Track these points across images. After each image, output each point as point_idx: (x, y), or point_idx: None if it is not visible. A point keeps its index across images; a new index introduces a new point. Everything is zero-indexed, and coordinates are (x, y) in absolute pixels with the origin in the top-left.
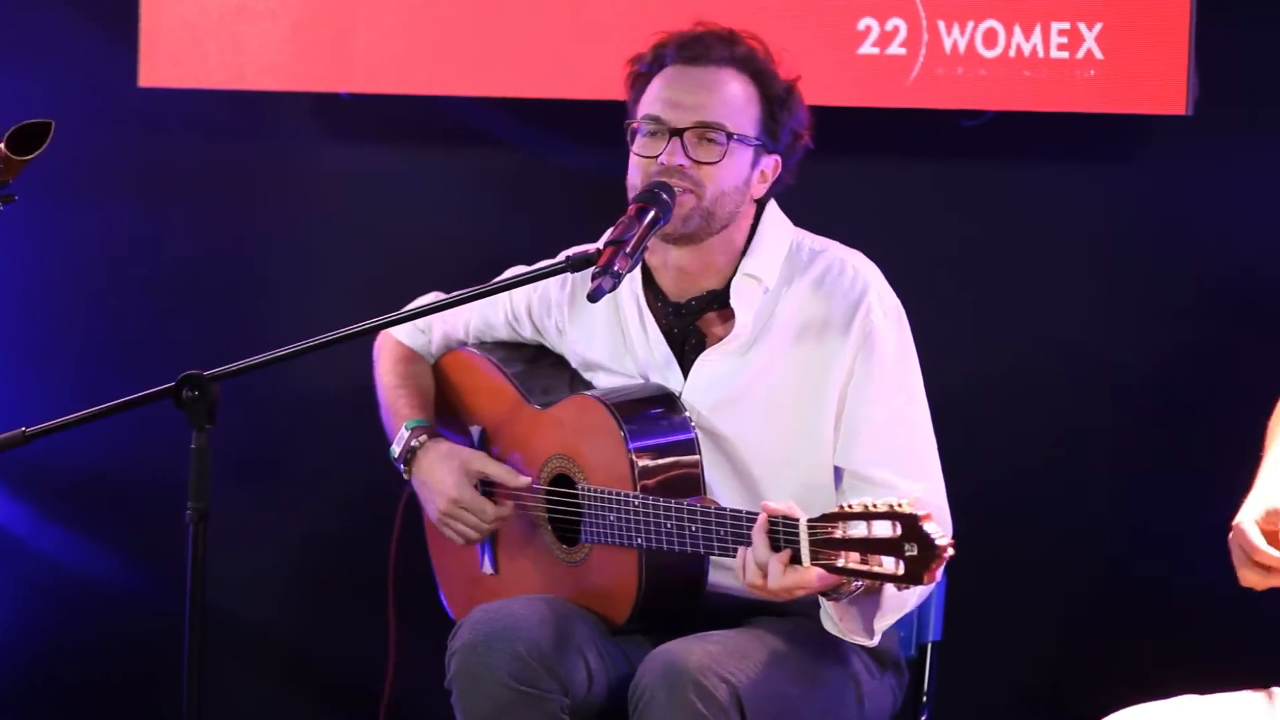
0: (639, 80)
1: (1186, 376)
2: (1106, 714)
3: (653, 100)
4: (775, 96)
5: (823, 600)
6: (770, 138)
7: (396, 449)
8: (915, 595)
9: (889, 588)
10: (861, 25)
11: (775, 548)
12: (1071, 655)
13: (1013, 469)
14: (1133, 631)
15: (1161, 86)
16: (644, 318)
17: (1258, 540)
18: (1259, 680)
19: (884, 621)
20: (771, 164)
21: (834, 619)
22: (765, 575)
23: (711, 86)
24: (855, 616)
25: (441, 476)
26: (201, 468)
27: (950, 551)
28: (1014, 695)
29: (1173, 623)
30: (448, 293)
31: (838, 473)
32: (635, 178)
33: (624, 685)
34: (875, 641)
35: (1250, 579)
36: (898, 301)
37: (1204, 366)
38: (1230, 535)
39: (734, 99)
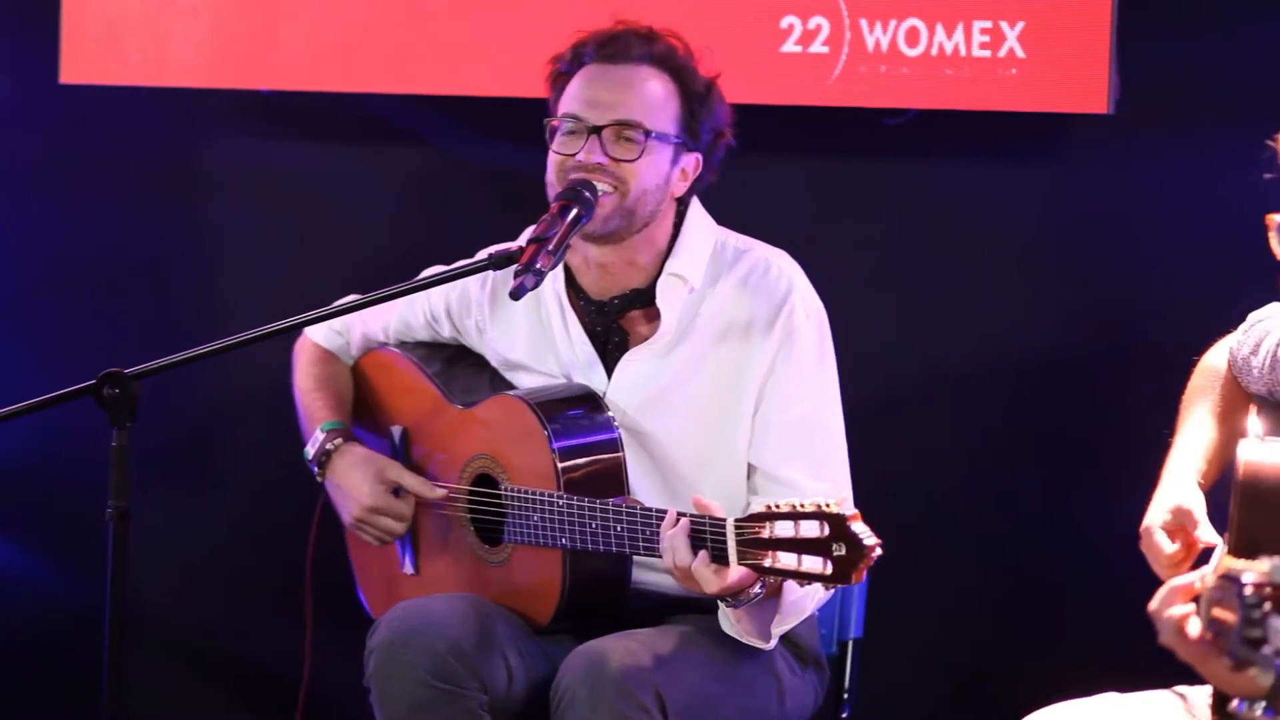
0: (559, 79)
1: (1106, 374)
2: (1028, 712)
3: (572, 99)
4: (695, 94)
5: (720, 603)
6: (690, 136)
7: (311, 451)
8: (814, 601)
9: (789, 593)
10: (784, 23)
11: (700, 546)
12: (993, 652)
13: (932, 466)
14: (1054, 629)
15: (1083, 85)
16: (566, 316)
17: (1166, 546)
18: (1182, 678)
19: (782, 626)
20: (692, 162)
21: (731, 621)
22: (694, 577)
23: (630, 85)
24: (754, 620)
25: (356, 482)
26: (122, 466)
27: (878, 552)
28: (935, 692)
29: (1094, 620)
30: (368, 293)
31: (749, 469)
32: (552, 175)
33: (545, 684)
34: (771, 645)
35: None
36: (820, 305)
37: (1123, 365)
38: (1140, 542)
39: (653, 97)
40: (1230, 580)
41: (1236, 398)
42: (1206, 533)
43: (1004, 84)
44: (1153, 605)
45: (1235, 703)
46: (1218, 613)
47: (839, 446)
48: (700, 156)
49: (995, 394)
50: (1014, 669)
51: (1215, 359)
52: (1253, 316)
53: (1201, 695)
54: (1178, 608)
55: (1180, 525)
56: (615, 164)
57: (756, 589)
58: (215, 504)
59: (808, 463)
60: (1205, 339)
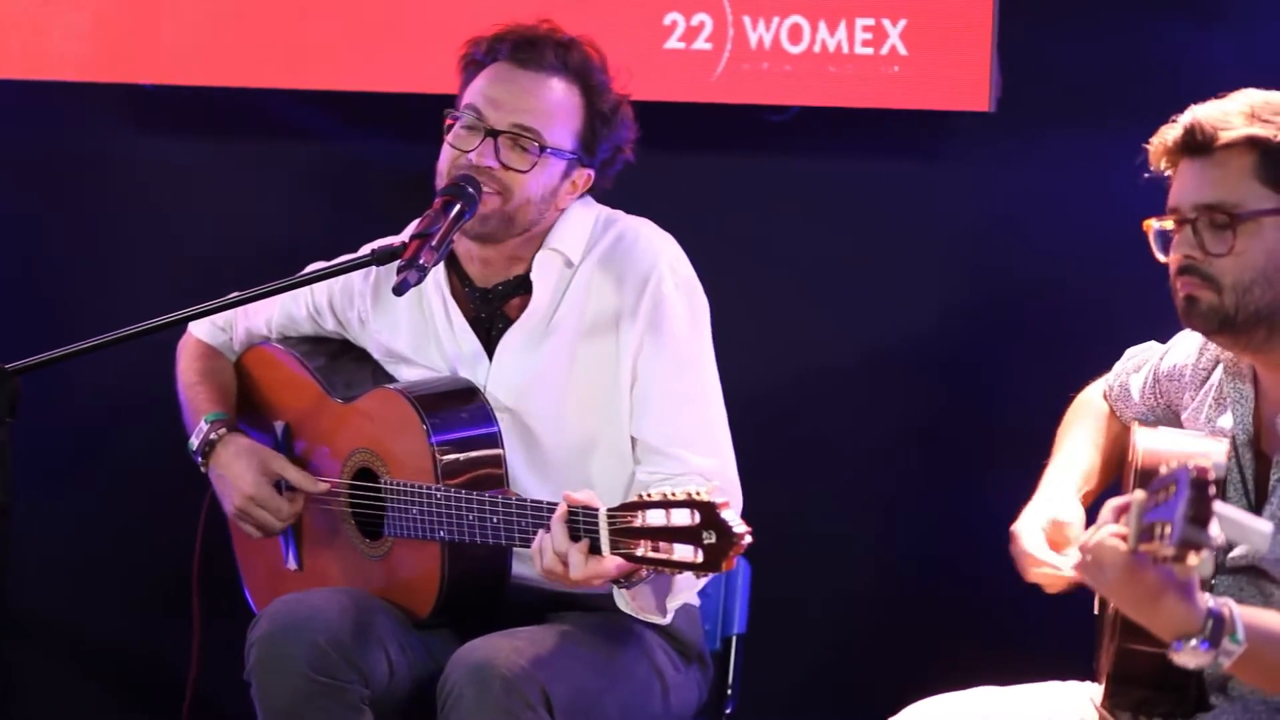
0: (471, 66)
1: (986, 372)
2: (907, 705)
3: (477, 93)
4: (600, 112)
5: (614, 584)
6: (587, 151)
7: (195, 441)
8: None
9: None
10: (667, 20)
11: (575, 537)
12: (874, 647)
13: (814, 463)
14: (933, 625)
15: (965, 83)
16: (449, 308)
17: (1037, 549)
18: (1060, 673)
19: (676, 600)
20: (584, 176)
21: (626, 598)
22: (565, 565)
23: (536, 93)
24: (648, 595)
25: (239, 472)
26: (3, 462)
27: (748, 539)
28: (818, 687)
29: (975, 615)
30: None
31: (632, 443)
32: (444, 165)
33: (426, 679)
34: (668, 619)
35: (1038, 577)
36: (691, 273)
37: (1003, 363)
38: (1010, 545)
39: (557, 109)
40: (1170, 475)
41: (1114, 428)
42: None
43: (886, 81)
44: (1086, 540)
45: (1174, 644)
46: (1156, 510)
47: (719, 416)
48: (593, 172)
49: (878, 390)
50: (894, 664)
51: (1091, 394)
52: (1130, 352)
53: (1080, 690)
54: (1108, 526)
55: (1057, 534)
56: (505, 171)
57: (646, 571)
58: (100, 501)
59: (689, 436)
60: (1086, 337)
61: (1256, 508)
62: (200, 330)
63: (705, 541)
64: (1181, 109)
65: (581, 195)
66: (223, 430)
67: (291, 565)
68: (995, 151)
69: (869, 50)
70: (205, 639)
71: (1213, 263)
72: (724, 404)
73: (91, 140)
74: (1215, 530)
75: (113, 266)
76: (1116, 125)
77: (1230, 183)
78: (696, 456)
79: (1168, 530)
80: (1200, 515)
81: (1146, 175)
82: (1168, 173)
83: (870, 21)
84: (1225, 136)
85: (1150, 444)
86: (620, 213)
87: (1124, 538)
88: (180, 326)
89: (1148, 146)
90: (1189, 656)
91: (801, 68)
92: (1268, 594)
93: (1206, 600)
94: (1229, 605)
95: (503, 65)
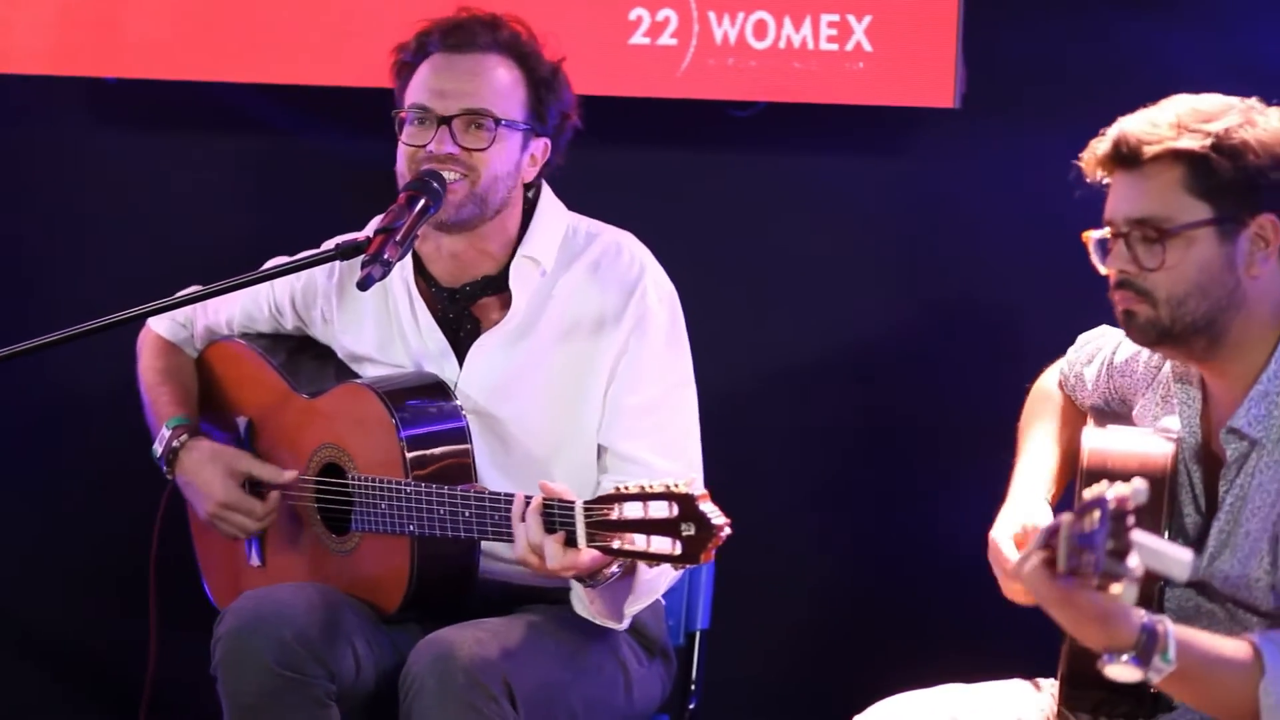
0: (404, 69)
1: (952, 369)
2: (871, 702)
3: (419, 89)
4: (541, 79)
5: (575, 584)
6: (538, 120)
7: (158, 448)
8: (666, 580)
9: (644, 572)
10: (633, 15)
11: (551, 529)
12: (839, 644)
13: (779, 459)
14: (897, 622)
15: (929, 80)
16: (415, 306)
17: (1012, 555)
18: (1023, 671)
19: (635, 606)
20: (541, 147)
21: (584, 603)
22: (541, 557)
23: (477, 73)
24: (607, 601)
25: (207, 478)
26: None
27: (727, 531)
28: (782, 683)
29: (940, 613)
30: (212, 283)
31: (599, 450)
32: (403, 166)
33: (393, 673)
34: (625, 625)
35: (1014, 591)
36: (672, 288)
37: (968, 359)
38: (988, 551)
39: (500, 84)
40: (1092, 503)
41: (1073, 417)
42: None
43: (851, 77)
44: (1016, 559)
45: (1104, 657)
46: (1080, 536)
47: (690, 427)
48: (549, 141)
49: (844, 387)
50: (858, 660)
51: (1048, 382)
52: (1082, 338)
53: (1043, 688)
54: (1040, 549)
55: (1025, 539)
56: (466, 153)
57: (614, 569)
58: (55, 496)
59: (657, 442)
60: (1050, 332)
61: (1207, 518)
62: (160, 326)
63: (684, 533)
64: (1142, 105)
65: (542, 173)
66: (185, 436)
67: (254, 561)
68: (960, 148)
69: (834, 46)
70: (163, 635)
71: (1146, 277)
72: (698, 414)
73: (53, 134)
74: (1134, 562)
75: (73, 261)
76: (1081, 122)
77: (1159, 197)
78: (662, 463)
79: (1090, 560)
80: (1119, 548)
81: (1080, 189)
82: (1105, 182)
83: (835, 17)
84: (1151, 150)
85: (1097, 444)
86: (599, 223)
87: (1052, 558)
88: (139, 321)
89: (1079, 162)
90: (1119, 670)
91: (766, 63)
92: (1227, 610)
93: (1141, 616)
94: (1164, 623)
95: (437, 57)
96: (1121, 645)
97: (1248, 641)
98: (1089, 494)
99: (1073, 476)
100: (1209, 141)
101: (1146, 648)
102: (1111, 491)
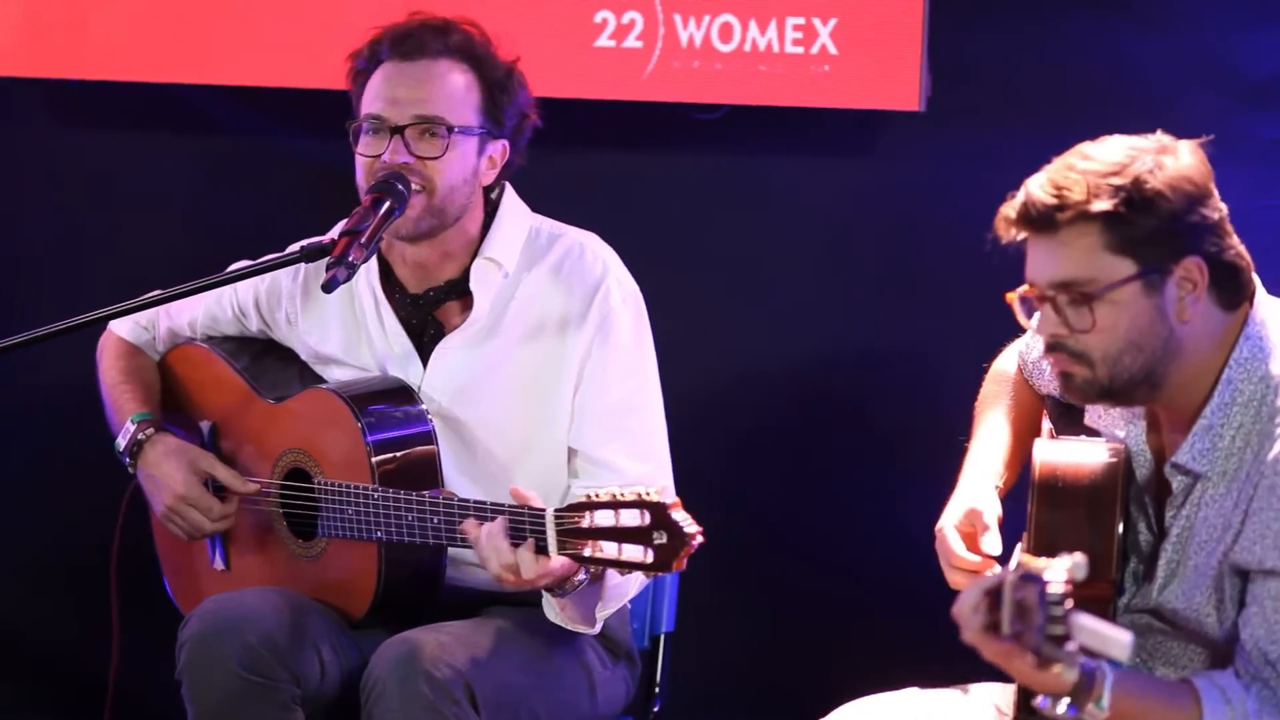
0: (358, 78)
1: (915, 371)
2: (835, 706)
3: (373, 98)
4: (495, 81)
5: (545, 592)
6: (494, 123)
7: (122, 442)
8: (636, 584)
9: (612, 577)
10: (598, 18)
11: (521, 538)
12: (802, 647)
13: (744, 461)
14: (861, 625)
15: (894, 83)
16: (381, 310)
17: (956, 547)
18: (986, 674)
19: (606, 610)
20: (499, 149)
21: (555, 609)
22: (516, 574)
23: (429, 80)
24: (577, 606)
25: (169, 471)
26: None
27: (699, 539)
28: (745, 686)
29: (904, 616)
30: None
31: (569, 453)
32: (361, 178)
33: (357, 678)
34: (597, 630)
35: (957, 581)
36: (636, 287)
37: (932, 362)
38: (936, 541)
39: (453, 90)
40: (1031, 579)
41: (1029, 402)
42: (991, 542)
43: (817, 80)
44: (956, 606)
45: (1039, 699)
46: (1019, 612)
47: (659, 427)
48: (507, 143)
49: (805, 389)
50: (822, 664)
51: (1005, 364)
52: None
53: (1003, 692)
54: (980, 608)
55: (971, 527)
56: (420, 162)
57: (581, 576)
58: (17, 497)
59: (627, 444)
60: (1016, 334)
61: (1156, 543)
62: (122, 329)
63: (656, 542)
64: (1110, 109)
65: (502, 174)
66: (150, 430)
67: (218, 565)
68: (925, 151)
69: (799, 49)
70: (126, 638)
71: (1079, 339)
72: (664, 413)
73: (16, 135)
74: (1073, 646)
75: (35, 262)
76: (1046, 125)
77: (1080, 260)
78: (634, 466)
79: (1029, 640)
80: (1057, 634)
81: (996, 252)
82: (1021, 238)
83: (800, 21)
84: (1064, 216)
85: (1048, 457)
86: (562, 225)
87: (992, 623)
88: (101, 324)
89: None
90: (1054, 714)
91: (732, 66)
92: (1177, 633)
93: (1078, 663)
94: (1101, 670)
95: (388, 65)
96: (1058, 690)
97: (1188, 684)
98: (1031, 565)
99: (1024, 465)
100: (1122, 196)
101: (1083, 691)
102: (1050, 573)
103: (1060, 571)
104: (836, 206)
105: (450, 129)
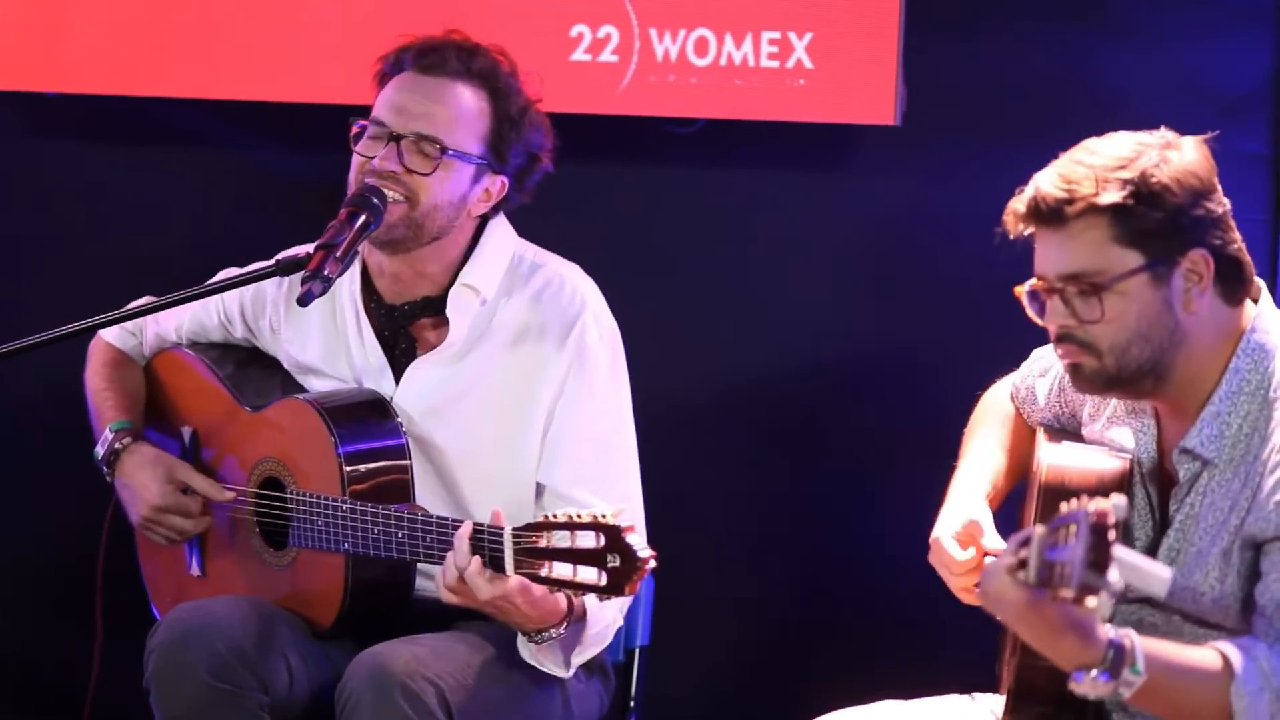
0: (382, 79)
1: (894, 381)
2: (812, 717)
3: (383, 103)
4: (507, 115)
5: (522, 636)
6: (496, 156)
7: (100, 451)
8: (613, 630)
9: (592, 625)
10: (574, 32)
11: (478, 554)
12: (777, 660)
13: (720, 474)
14: (838, 637)
15: (870, 97)
16: (360, 321)
17: (955, 552)
18: (964, 686)
19: (582, 657)
20: (498, 184)
21: (530, 650)
22: (468, 584)
23: (439, 99)
24: (554, 650)
25: (144, 481)
26: None
27: (653, 564)
28: (721, 700)
29: (878, 629)
30: (161, 296)
31: (538, 489)
32: (352, 176)
33: (327, 687)
34: (569, 674)
35: (962, 586)
36: (614, 323)
37: (909, 374)
38: (930, 553)
39: (460, 114)
40: (1071, 515)
41: (1021, 429)
42: (993, 540)
43: (792, 94)
44: (961, 558)
45: (1075, 675)
46: (1059, 538)
47: (631, 467)
48: (507, 179)
49: (781, 402)
50: (797, 677)
51: (998, 394)
52: (1037, 352)
53: (980, 701)
54: (1007, 559)
55: (970, 535)
56: (408, 174)
57: (562, 629)
58: (2, 508)
59: (599, 484)
60: (990, 349)
61: (1158, 535)
62: (110, 334)
63: (609, 565)
64: (1085, 123)
65: (498, 207)
66: (128, 439)
67: (195, 572)
68: (900, 165)
69: (775, 63)
70: (108, 645)
71: (1087, 330)
72: (636, 453)
73: None
74: (1114, 575)
75: (14, 276)
76: (1021, 139)
77: (1088, 252)
78: (604, 503)
79: (1067, 571)
80: (1099, 560)
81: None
82: (1029, 233)
83: (776, 35)
84: (1073, 209)
85: (1055, 459)
86: (546, 253)
87: (1019, 566)
88: (86, 335)
89: (1000, 229)
90: (1089, 687)
91: (708, 80)
92: (1169, 622)
93: (1108, 631)
94: (1130, 636)
95: (407, 74)
96: (1090, 660)
97: (1214, 648)
98: (1064, 508)
99: (1016, 484)
100: (1129, 190)
101: (1115, 662)
102: (1092, 505)
103: (1099, 504)
104: (813, 220)
105: (444, 150)
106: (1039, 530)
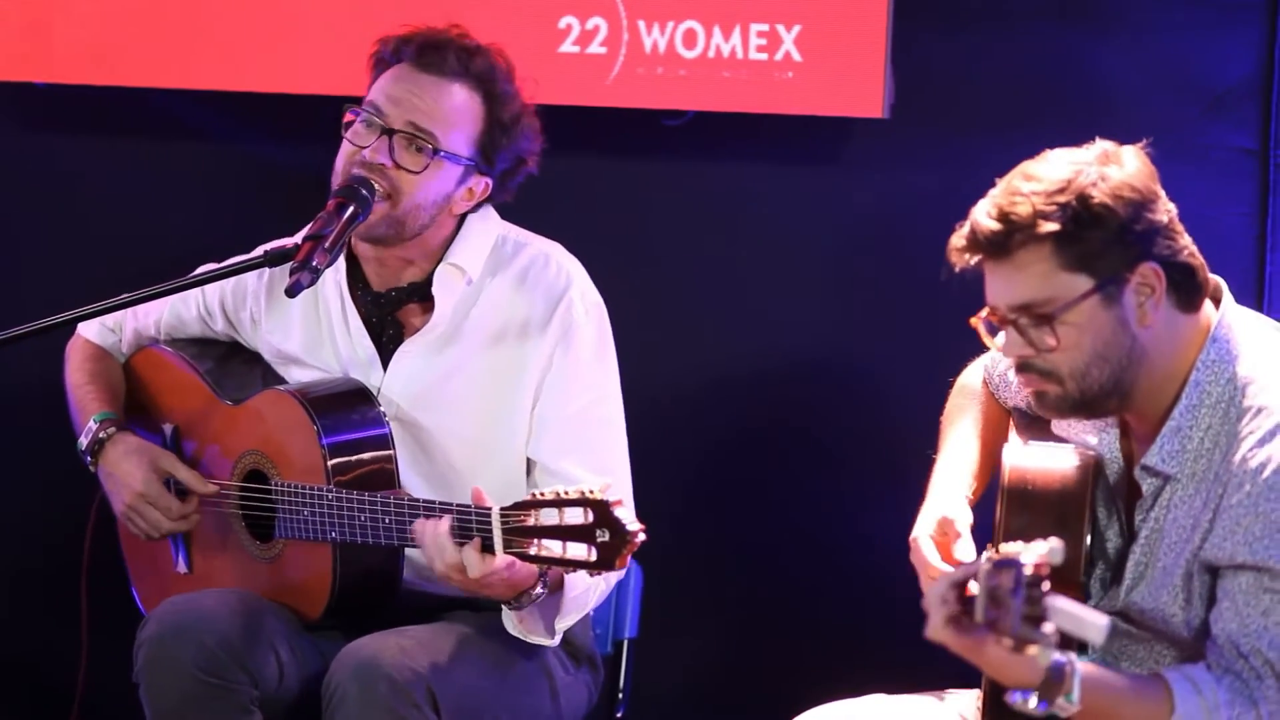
0: (378, 65)
1: (884, 374)
2: (799, 711)
3: (379, 91)
4: (500, 120)
5: (504, 605)
6: (484, 159)
7: (84, 441)
8: (596, 595)
9: (570, 589)
10: (562, 24)
11: (468, 537)
12: (765, 653)
13: (709, 467)
14: (824, 631)
15: (858, 89)
16: (347, 309)
17: (931, 557)
18: (949, 680)
19: (565, 622)
20: (482, 185)
21: (514, 621)
22: (462, 573)
23: (435, 96)
24: (536, 619)
25: (129, 470)
26: None
27: (642, 537)
28: (708, 692)
29: (867, 622)
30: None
31: (529, 465)
32: (341, 161)
33: (316, 680)
34: (556, 642)
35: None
36: (599, 299)
37: (902, 365)
38: (910, 552)
39: (454, 113)
40: (1007, 564)
41: (996, 414)
42: (964, 548)
43: (780, 87)
44: (925, 600)
45: (1011, 694)
46: (993, 598)
47: (619, 440)
48: (491, 181)
49: (770, 395)
50: (786, 670)
51: (971, 378)
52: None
53: (969, 699)
54: (949, 599)
55: (943, 535)
56: (396, 170)
57: (538, 590)
58: None
59: (587, 457)
60: (978, 341)
61: (1125, 546)
62: (89, 331)
63: (598, 540)
64: (1074, 117)
65: (479, 205)
66: (112, 429)
67: (181, 568)
68: (888, 157)
69: (763, 56)
70: (94, 641)
71: (1045, 358)
72: (625, 427)
73: None
74: (1050, 629)
75: (2, 267)
76: (1009, 132)
77: (1036, 283)
78: (592, 479)
79: (1005, 624)
80: (1034, 615)
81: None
82: (975, 261)
83: (765, 27)
84: (1014, 241)
85: (1017, 462)
86: (529, 233)
87: (964, 615)
88: (69, 327)
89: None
90: (1024, 707)
91: (696, 72)
92: (1129, 630)
93: (1052, 655)
94: (1072, 663)
95: (406, 67)
96: (1028, 684)
97: (1158, 677)
98: (1006, 550)
99: (993, 475)
100: (1069, 215)
101: (1052, 686)
102: (1026, 555)
103: (1035, 555)
104: (801, 212)
105: (437, 150)
106: (982, 569)
